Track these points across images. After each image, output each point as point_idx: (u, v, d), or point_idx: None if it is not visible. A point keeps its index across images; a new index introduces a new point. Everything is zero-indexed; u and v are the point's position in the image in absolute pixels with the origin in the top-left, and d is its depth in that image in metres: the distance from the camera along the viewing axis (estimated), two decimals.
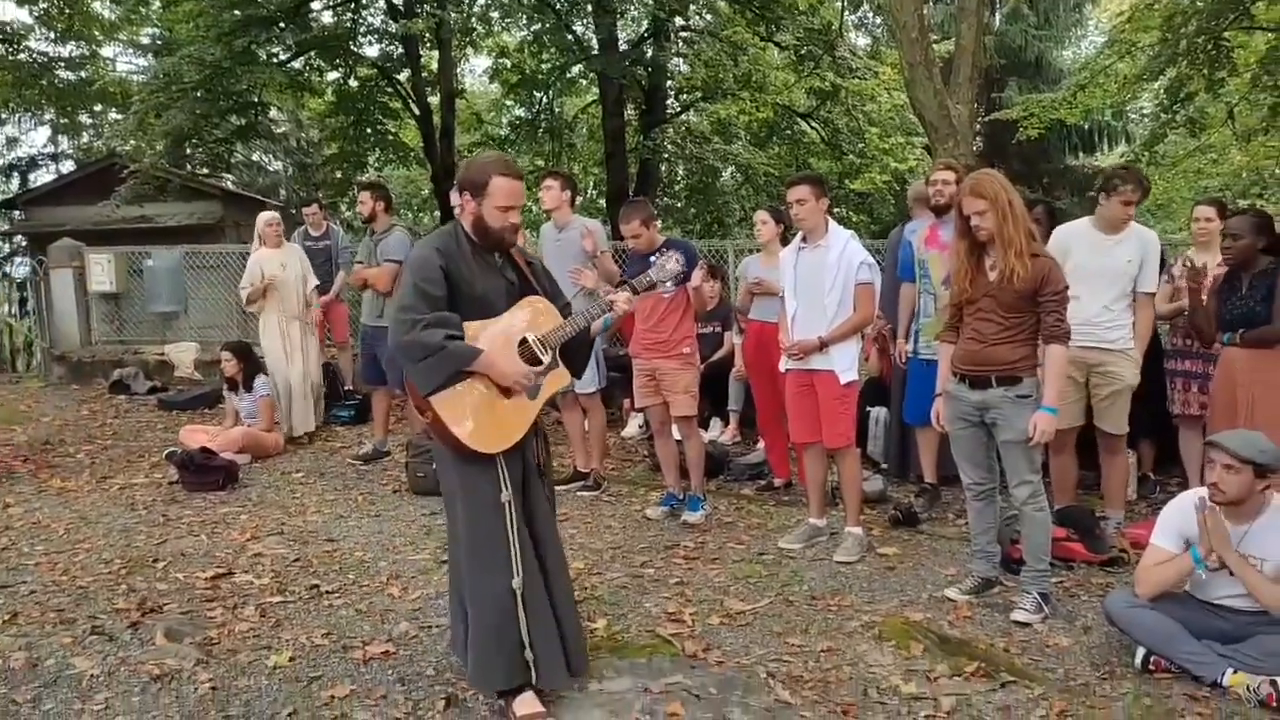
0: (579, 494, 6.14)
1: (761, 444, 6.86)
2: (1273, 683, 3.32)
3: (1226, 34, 9.80)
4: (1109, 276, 4.92)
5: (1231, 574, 3.53)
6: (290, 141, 23.87)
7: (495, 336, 3.25)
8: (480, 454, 3.18)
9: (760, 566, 4.83)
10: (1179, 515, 3.71)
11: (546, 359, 3.33)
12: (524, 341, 3.31)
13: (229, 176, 21.33)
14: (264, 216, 7.82)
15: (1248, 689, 3.37)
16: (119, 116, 19.38)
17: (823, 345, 4.88)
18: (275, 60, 14.38)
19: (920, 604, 4.33)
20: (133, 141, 14.07)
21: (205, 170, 18.84)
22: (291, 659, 3.78)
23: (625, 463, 7.06)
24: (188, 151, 17.00)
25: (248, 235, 14.61)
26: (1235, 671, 3.43)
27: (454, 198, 5.98)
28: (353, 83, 16.80)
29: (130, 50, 23.45)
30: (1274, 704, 3.29)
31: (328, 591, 4.53)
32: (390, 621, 4.16)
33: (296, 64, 15.14)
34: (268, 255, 7.67)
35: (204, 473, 6.41)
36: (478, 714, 3.34)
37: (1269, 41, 10.35)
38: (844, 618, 4.16)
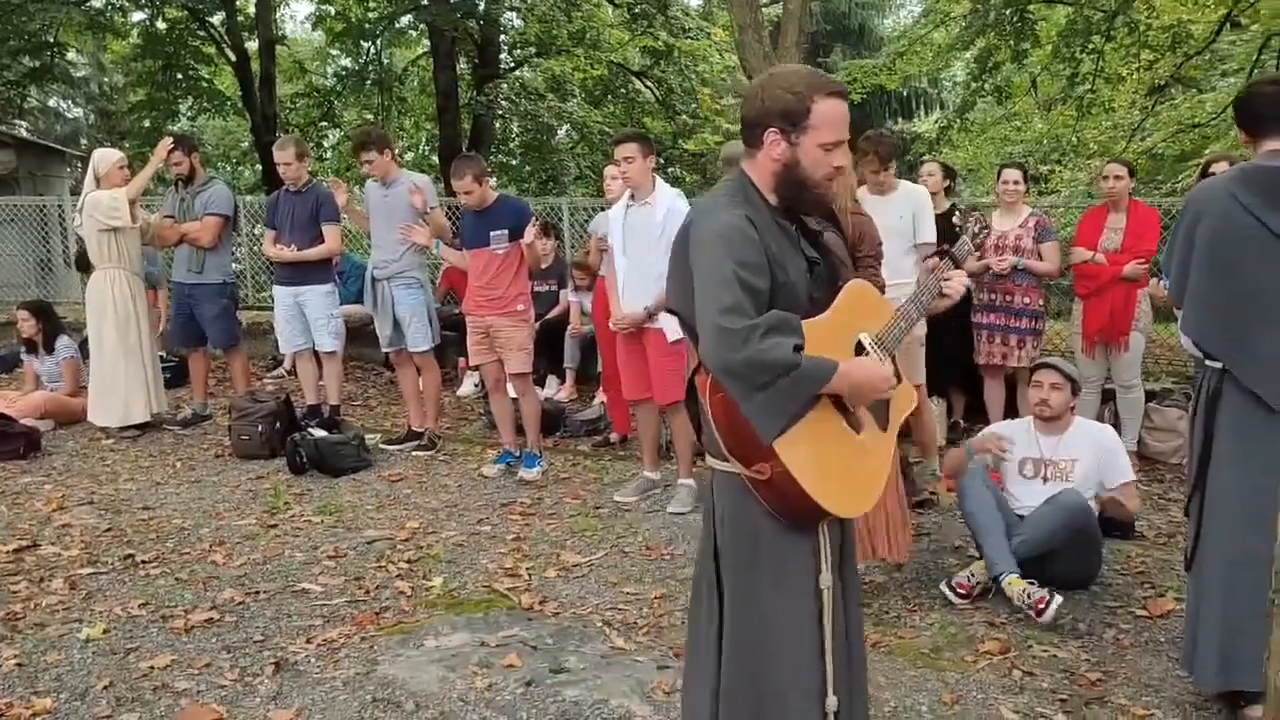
0: (414, 453, 6.06)
1: (598, 400, 6.93)
2: (1050, 591, 3.62)
3: (1031, 7, 10.41)
4: (885, 234, 5.14)
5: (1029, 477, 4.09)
6: (91, 86, 22.18)
7: (826, 342, 2.10)
8: (808, 521, 2.15)
9: (596, 520, 4.90)
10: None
11: (889, 370, 2.23)
12: (859, 347, 2.22)
13: (22, 123, 19.65)
14: (112, 156, 6.51)
15: (1023, 592, 3.66)
16: None
17: (650, 316, 4.95)
18: None
19: None
20: None
21: None
22: (106, 631, 3.61)
23: (461, 421, 7.00)
24: None
25: (44, 187, 13.60)
26: (1018, 578, 3.71)
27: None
28: (160, 25, 15.71)
29: None
30: (1043, 606, 3.59)
31: (144, 561, 4.33)
32: (214, 589, 4.02)
33: (96, 2, 14.05)
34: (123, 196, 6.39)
35: (2, 440, 6.00)
36: (309, 676, 3.28)
37: (1068, 15, 11.05)
38: (677, 566, 4.28)
